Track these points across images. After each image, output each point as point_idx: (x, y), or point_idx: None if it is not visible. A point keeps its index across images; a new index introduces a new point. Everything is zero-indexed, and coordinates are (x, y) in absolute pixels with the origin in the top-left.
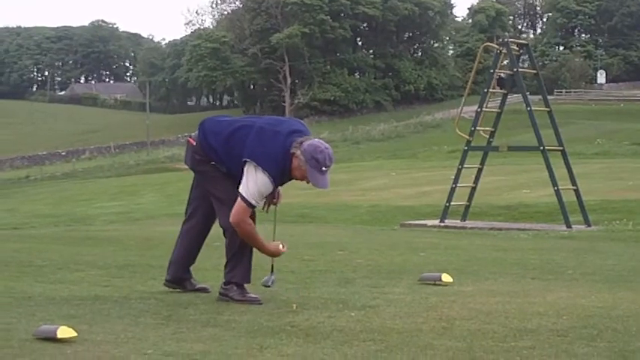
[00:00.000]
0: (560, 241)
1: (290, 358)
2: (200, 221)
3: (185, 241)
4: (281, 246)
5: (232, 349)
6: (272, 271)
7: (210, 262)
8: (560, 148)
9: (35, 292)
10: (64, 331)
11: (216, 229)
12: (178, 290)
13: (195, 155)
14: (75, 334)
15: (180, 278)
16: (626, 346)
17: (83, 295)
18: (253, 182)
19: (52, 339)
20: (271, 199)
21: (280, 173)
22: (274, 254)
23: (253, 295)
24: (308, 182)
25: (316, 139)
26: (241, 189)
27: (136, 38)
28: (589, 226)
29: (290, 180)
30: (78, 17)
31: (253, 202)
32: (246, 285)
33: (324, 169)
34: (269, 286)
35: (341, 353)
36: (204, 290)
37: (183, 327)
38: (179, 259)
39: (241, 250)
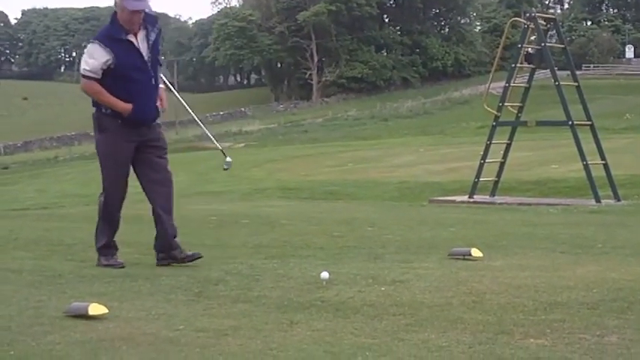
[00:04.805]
0: (589, 216)
1: (320, 333)
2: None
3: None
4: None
5: (263, 325)
6: (224, 154)
7: (239, 240)
8: (589, 122)
9: (65, 270)
10: (95, 308)
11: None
12: (207, 267)
13: None
14: (106, 310)
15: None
16: None
17: (113, 273)
18: (84, 59)
19: (83, 316)
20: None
21: (108, 38)
22: (124, 110)
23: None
24: (138, 22)
25: None
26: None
27: (163, 18)
28: (618, 200)
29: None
30: None
31: (88, 73)
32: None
33: None
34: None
35: (371, 327)
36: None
37: (213, 303)
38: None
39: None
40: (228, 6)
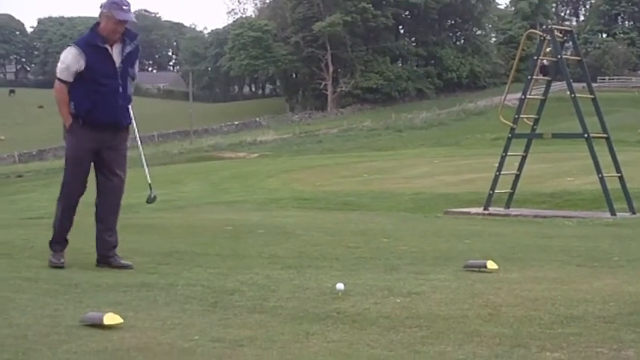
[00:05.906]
0: (604, 229)
1: (336, 345)
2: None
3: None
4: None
5: (278, 335)
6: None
7: (254, 250)
8: (605, 135)
9: (82, 279)
10: (111, 318)
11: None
12: (223, 277)
13: None
14: (121, 320)
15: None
16: None
17: (129, 282)
18: (60, 61)
19: (99, 325)
20: None
21: (85, 43)
22: (65, 117)
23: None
24: (120, 32)
25: None
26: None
27: (178, 27)
28: (633, 213)
29: (119, 59)
30: None
31: (61, 75)
32: None
33: (125, 7)
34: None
35: (387, 339)
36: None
37: (229, 313)
38: None
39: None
40: (243, 16)
